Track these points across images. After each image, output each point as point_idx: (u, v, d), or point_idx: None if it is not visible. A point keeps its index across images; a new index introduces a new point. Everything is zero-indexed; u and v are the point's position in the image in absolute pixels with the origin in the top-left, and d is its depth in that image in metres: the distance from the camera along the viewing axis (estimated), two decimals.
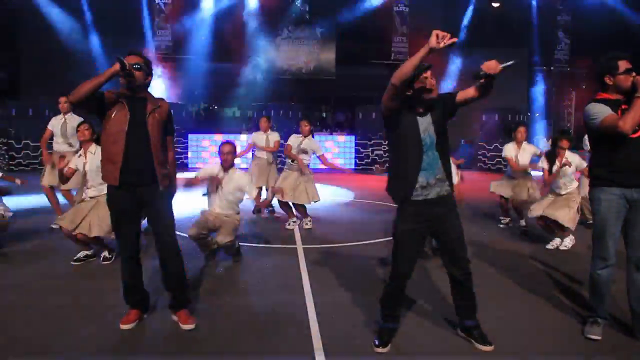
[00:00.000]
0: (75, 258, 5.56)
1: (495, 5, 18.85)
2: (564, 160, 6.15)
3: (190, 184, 5.42)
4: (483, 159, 17.29)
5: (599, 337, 3.74)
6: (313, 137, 7.65)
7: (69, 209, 5.80)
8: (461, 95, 3.45)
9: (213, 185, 5.51)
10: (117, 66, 3.51)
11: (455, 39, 3.09)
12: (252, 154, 8.69)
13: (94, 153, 5.45)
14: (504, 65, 3.25)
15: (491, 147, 17.00)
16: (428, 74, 3.37)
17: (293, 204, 7.51)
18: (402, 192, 3.52)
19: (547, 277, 5.33)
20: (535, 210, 6.39)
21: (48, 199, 7.35)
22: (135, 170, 3.71)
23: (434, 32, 3.09)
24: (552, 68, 19.75)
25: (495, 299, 4.50)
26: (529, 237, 7.08)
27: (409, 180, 3.46)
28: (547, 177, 6.28)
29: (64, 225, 5.36)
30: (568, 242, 6.42)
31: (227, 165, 5.52)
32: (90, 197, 5.53)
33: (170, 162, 4.01)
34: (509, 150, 7.49)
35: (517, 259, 6.02)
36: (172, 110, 4.03)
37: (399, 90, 3.33)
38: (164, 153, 3.89)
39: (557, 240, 6.42)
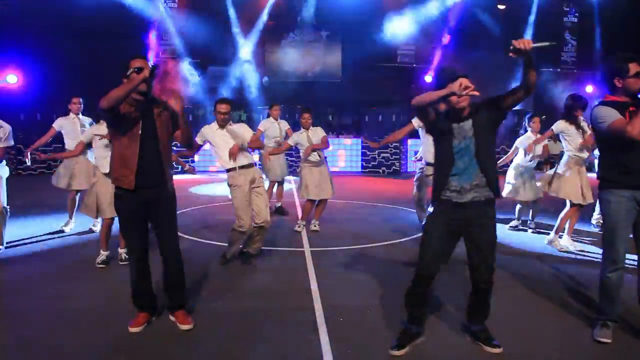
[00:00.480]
0: (98, 261, 5.60)
1: (501, 7, 18.80)
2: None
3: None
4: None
5: (609, 340, 3.72)
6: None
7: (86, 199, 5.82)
8: (508, 96, 3.40)
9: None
10: (147, 72, 3.57)
11: (477, 93, 3.21)
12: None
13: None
14: (537, 44, 3.17)
15: (498, 149, 16.94)
16: (453, 98, 3.34)
17: (316, 201, 7.47)
18: (434, 193, 3.56)
19: (556, 279, 5.32)
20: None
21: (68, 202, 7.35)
22: (149, 173, 3.78)
23: (460, 80, 3.19)
24: (558, 70, 19.69)
25: (503, 302, 4.48)
26: (537, 237, 7.06)
27: (440, 184, 3.48)
28: (588, 139, 6.21)
29: (90, 214, 5.60)
30: (565, 242, 6.48)
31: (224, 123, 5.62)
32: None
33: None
34: (525, 141, 7.44)
35: (524, 261, 6.00)
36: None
37: (419, 112, 3.49)
38: (170, 153, 4.00)
39: (566, 240, 6.48)
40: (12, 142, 5.74)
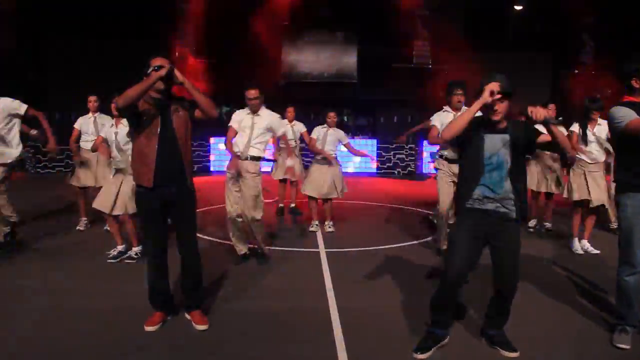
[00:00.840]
0: (110, 256, 5.72)
1: (518, 8, 18.64)
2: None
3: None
4: None
5: (628, 346, 3.68)
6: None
7: (98, 192, 5.88)
8: (543, 139, 3.46)
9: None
10: (162, 72, 3.59)
11: (502, 95, 3.26)
12: (274, 145, 8.51)
13: (125, 125, 5.51)
14: (548, 119, 3.27)
15: None
16: (497, 105, 3.35)
17: (323, 200, 7.49)
18: (459, 202, 3.58)
19: (572, 283, 5.26)
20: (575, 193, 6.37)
21: (77, 199, 7.44)
22: (167, 172, 3.80)
23: (488, 87, 3.21)
24: (576, 71, 19.48)
25: (518, 306, 4.44)
26: (553, 241, 6.99)
27: (465, 194, 3.50)
28: (575, 142, 6.26)
29: (102, 209, 5.58)
30: (577, 245, 6.44)
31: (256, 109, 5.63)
32: (117, 170, 5.63)
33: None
34: (542, 128, 7.39)
35: (540, 264, 5.95)
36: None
37: (455, 141, 3.54)
38: (190, 150, 3.97)
39: (577, 243, 6.43)
40: None
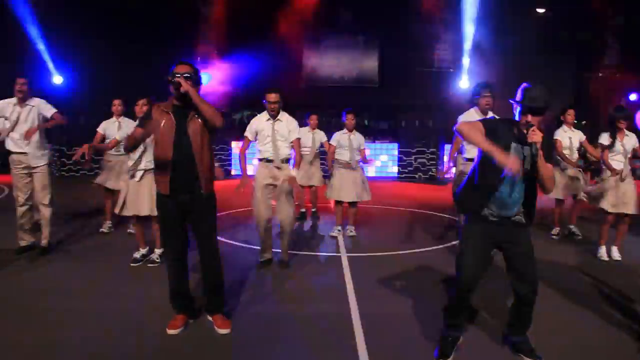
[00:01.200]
0: (133, 259, 5.75)
1: (540, 11, 18.43)
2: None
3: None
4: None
5: None
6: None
7: (119, 197, 5.92)
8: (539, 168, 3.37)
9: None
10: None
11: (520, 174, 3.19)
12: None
13: None
14: (535, 147, 3.27)
15: None
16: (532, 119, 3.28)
17: (349, 204, 7.46)
18: (469, 206, 3.57)
19: (598, 291, 5.15)
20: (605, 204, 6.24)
21: (103, 201, 7.51)
22: (182, 179, 3.81)
23: (512, 162, 3.08)
24: (600, 74, 19.20)
25: (544, 313, 4.38)
26: (577, 247, 6.88)
27: (478, 199, 3.47)
28: (605, 157, 6.20)
29: (126, 213, 5.63)
30: (602, 252, 6.31)
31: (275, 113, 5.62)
32: (142, 171, 5.64)
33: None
34: (560, 134, 7.32)
35: (564, 271, 5.85)
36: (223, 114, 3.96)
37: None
38: (208, 158, 3.91)
39: (603, 250, 6.30)
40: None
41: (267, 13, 17.42)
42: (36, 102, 6.01)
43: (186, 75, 3.73)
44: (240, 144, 16.60)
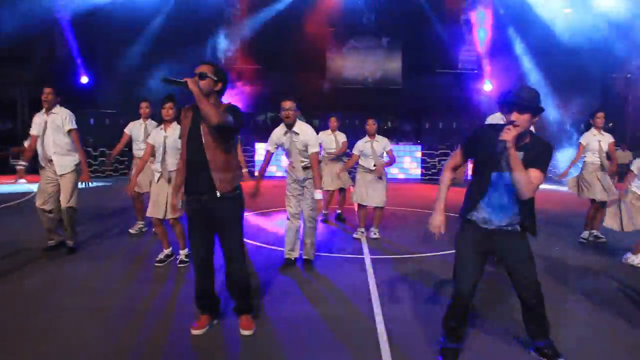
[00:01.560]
0: (157, 259, 5.81)
1: (567, 11, 18.16)
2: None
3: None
4: (554, 170, 16.57)
5: None
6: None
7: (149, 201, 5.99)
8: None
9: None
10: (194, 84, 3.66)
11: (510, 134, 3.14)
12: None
13: (175, 130, 5.62)
14: (505, 146, 3.18)
15: (564, 158, 16.33)
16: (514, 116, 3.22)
17: (369, 207, 7.44)
18: (462, 210, 3.59)
19: (626, 296, 5.06)
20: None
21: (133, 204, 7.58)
22: (196, 180, 3.81)
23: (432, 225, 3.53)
24: (628, 75, 18.87)
25: (570, 318, 4.32)
26: (601, 251, 6.76)
27: (469, 205, 3.51)
28: (631, 180, 6.10)
29: (154, 214, 5.66)
30: (633, 257, 6.15)
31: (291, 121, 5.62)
32: (159, 173, 5.69)
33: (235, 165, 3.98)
34: (588, 137, 7.23)
35: (591, 276, 5.75)
36: (237, 112, 3.85)
37: None
38: (224, 158, 3.83)
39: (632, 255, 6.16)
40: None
41: (292, 15, 17.53)
42: (60, 111, 6.09)
43: (200, 73, 3.72)
44: (263, 145, 16.71)
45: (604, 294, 5.07)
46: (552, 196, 12.58)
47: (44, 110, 6.02)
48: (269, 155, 5.80)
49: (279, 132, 5.72)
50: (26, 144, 7.00)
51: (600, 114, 7.25)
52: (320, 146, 8.47)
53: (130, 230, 7.42)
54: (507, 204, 3.34)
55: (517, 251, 3.42)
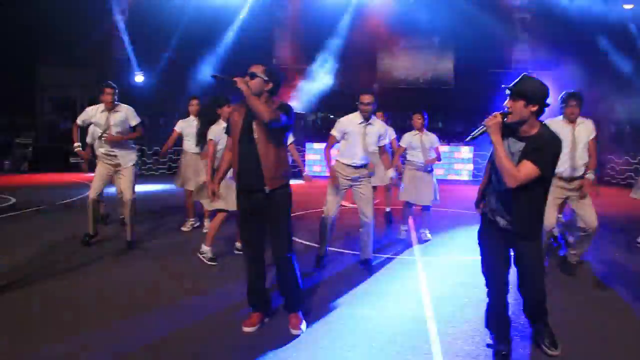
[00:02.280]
0: (209, 257, 5.85)
1: (628, 7, 17.35)
2: None
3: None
4: (612, 172, 15.99)
5: None
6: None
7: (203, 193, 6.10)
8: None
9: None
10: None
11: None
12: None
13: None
14: (482, 130, 3.35)
15: (620, 160, 15.74)
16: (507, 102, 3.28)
17: (416, 207, 7.34)
18: (476, 202, 3.71)
19: None
20: None
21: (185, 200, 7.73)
22: (248, 176, 3.87)
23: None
24: None
25: (624, 326, 4.15)
26: None
27: (481, 196, 3.62)
28: None
29: (206, 206, 5.89)
30: None
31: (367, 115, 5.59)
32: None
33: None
34: None
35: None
36: (288, 110, 3.92)
37: None
38: (275, 154, 3.89)
39: None
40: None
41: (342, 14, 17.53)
42: (124, 108, 6.38)
43: (250, 73, 3.78)
44: (313, 145, 16.74)
45: None
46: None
47: (102, 108, 6.23)
48: (333, 140, 5.72)
49: (352, 120, 5.65)
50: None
51: None
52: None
53: (183, 228, 7.54)
54: (506, 200, 3.31)
55: (524, 257, 3.39)
